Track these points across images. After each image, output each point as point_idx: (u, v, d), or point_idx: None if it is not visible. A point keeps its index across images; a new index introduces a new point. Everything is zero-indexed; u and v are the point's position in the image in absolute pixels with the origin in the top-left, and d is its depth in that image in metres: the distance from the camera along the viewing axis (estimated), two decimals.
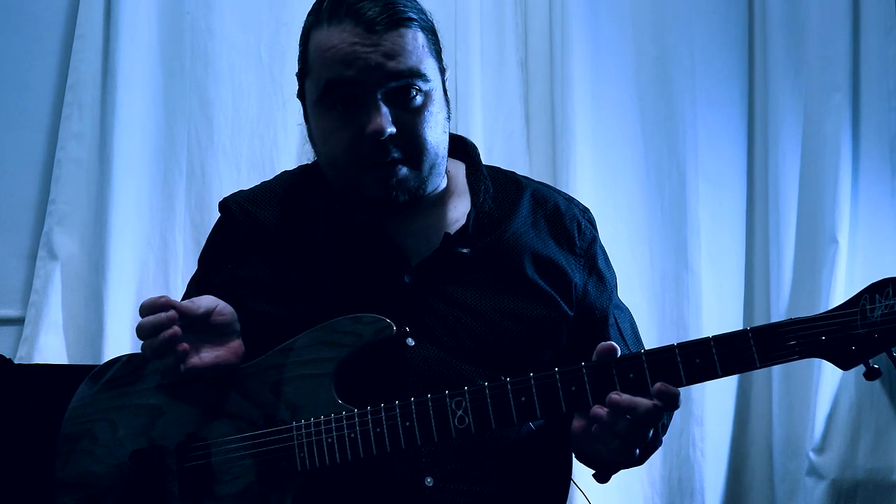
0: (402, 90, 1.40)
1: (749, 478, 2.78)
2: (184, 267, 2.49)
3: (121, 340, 2.41)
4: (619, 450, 1.28)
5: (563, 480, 1.53)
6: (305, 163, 1.65)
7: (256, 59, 2.59)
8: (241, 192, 1.61)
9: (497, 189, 1.55)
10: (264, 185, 1.61)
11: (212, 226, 1.63)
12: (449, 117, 1.50)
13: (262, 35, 2.59)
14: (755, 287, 2.81)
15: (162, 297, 1.36)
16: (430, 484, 1.37)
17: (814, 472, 2.61)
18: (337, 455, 1.33)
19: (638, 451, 1.30)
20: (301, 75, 1.49)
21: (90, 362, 2.36)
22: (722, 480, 2.74)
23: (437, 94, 1.45)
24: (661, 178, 2.76)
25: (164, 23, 2.54)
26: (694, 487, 2.69)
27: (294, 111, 2.58)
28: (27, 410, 1.96)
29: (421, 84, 1.41)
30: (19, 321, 2.44)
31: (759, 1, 2.80)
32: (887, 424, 2.59)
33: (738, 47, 2.79)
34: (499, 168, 1.63)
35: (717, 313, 2.73)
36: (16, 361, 2.34)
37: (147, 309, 1.35)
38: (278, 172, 1.68)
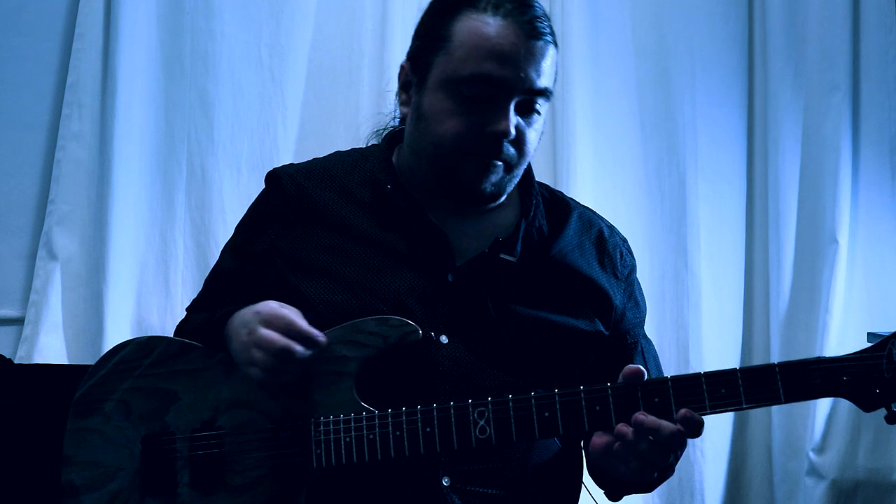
0: (530, 104, 1.42)
1: (749, 478, 2.78)
2: (184, 267, 2.49)
3: (120, 340, 2.40)
4: (639, 470, 1.28)
5: (577, 486, 1.53)
6: (358, 146, 1.64)
7: (256, 59, 2.59)
8: (291, 164, 1.60)
9: (547, 206, 1.57)
10: (317, 162, 1.60)
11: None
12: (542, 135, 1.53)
13: (262, 35, 2.59)
14: (755, 287, 2.81)
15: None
16: (448, 484, 1.37)
17: (814, 472, 2.61)
18: (354, 455, 1.33)
19: (656, 474, 1.30)
20: (431, 48, 1.45)
21: (90, 362, 2.34)
22: (722, 480, 2.74)
23: (545, 113, 1.48)
24: (661, 178, 2.76)
25: (164, 23, 2.53)
26: (694, 487, 2.69)
27: (294, 111, 2.60)
28: (27, 410, 1.96)
29: (544, 102, 1.44)
30: (19, 321, 2.44)
31: (758, 1, 2.80)
32: (887, 425, 2.59)
33: (738, 47, 2.79)
34: (548, 186, 1.65)
35: (717, 313, 2.73)
36: (16, 361, 2.34)
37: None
38: None
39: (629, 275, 1.58)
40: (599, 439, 1.31)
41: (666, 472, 1.47)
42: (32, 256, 2.45)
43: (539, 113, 1.45)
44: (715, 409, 1.26)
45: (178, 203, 2.52)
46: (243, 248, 1.57)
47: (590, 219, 1.60)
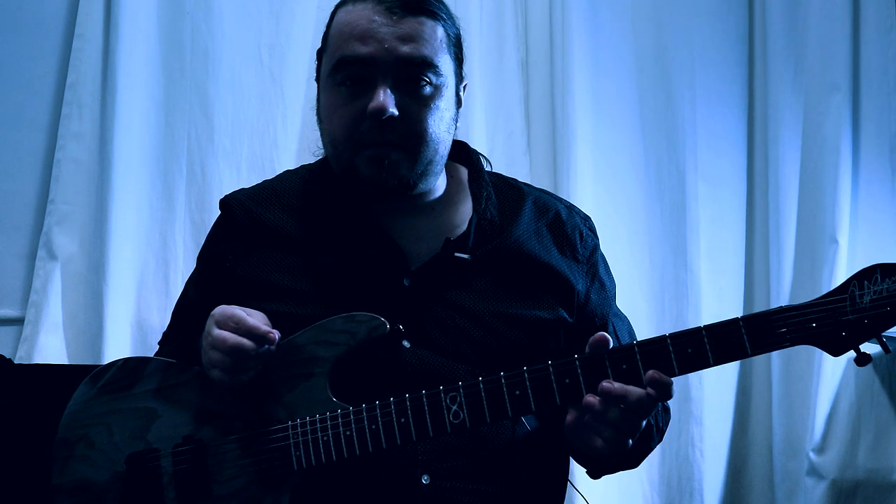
0: (413, 78, 1.41)
1: (749, 478, 2.78)
2: (184, 267, 2.49)
3: (121, 340, 2.41)
4: (612, 439, 1.29)
5: (561, 478, 1.53)
6: (307, 162, 1.65)
7: (256, 59, 2.59)
8: (242, 190, 1.61)
9: (499, 196, 1.55)
10: (266, 184, 1.61)
11: (212, 226, 1.63)
12: (456, 121, 1.50)
13: (262, 35, 2.59)
14: (755, 287, 2.81)
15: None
16: (427, 482, 1.37)
17: (814, 472, 2.61)
18: (333, 453, 1.33)
19: (631, 441, 1.30)
20: (319, 52, 1.50)
21: (90, 362, 2.36)
22: (721, 480, 2.74)
23: (448, 94, 1.46)
24: (661, 179, 2.76)
25: (164, 23, 2.53)
26: (693, 487, 2.69)
27: (294, 111, 2.60)
28: (27, 410, 1.95)
29: (431, 76, 1.42)
30: (19, 321, 2.43)
31: (759, 1, 2.80)
32: (887, 424, 2.59)
33: (738, 47, 2.79)
34: (501, 175, 1.63)
35: (717, 313, 2.72)
36: (16, 361, 2.34)
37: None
38: (278, 172, 1.68)
39: (591, 255, 1.56)
40: (571, 415, 1.31)
41: (644, 447, 1.46)
42: (32, 256, 2.45)
43: (432, 88, 1.42)
44: (684, 370, 1.26)
45: (178, 203, 2.52)
46: (203, 278, 1.59)
47: (545, 202, 1.58)
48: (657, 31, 2.77)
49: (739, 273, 2.78)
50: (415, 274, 1.45)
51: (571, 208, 1.61)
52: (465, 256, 1.46)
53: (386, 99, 1.38)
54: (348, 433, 1.33)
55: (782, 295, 2.70)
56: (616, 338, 1.54)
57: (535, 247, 1.51)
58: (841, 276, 2.61)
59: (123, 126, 2.46)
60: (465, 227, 1.50)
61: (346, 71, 1.41)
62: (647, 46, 2.78)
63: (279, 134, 2.59)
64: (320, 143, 1.52)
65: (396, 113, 1.39)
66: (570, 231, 1.55)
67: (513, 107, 2.71)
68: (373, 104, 1.38)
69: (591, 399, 1.27)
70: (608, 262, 1.63)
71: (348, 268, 1.46)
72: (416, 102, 1.42)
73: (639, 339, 1.60)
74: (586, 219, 1.61)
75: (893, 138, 2.66)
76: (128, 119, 2.46)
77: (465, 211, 1.53)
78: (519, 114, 2.71)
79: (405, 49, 1.39)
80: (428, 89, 1.42)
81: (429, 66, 1.41)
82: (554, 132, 2.71)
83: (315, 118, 1.52)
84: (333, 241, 1.49)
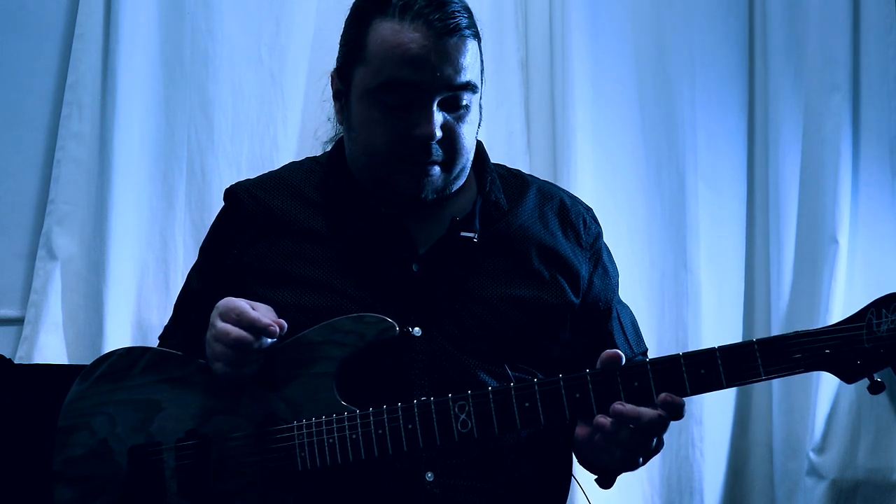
0: (455, 99, 1.43)
1: (749, 478, 2.78)
2: (184, 267, 2.49)
3: (121, 340, 2.41)
4: (623, 459, 1.29)
5: (564, 477, 1.53)
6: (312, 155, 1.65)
7: (256, 59, 2.59)
8: (247, 179, 1.62)
9: (503, 182, 1.58)
10: (272, 174, 1.62)
11: (215, 217, 1.63)
12: (480, 124, 1.52)
13: (262, 35, 2.59)
14: (755, 287, 2.81)
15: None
16: (431, 479, 1.38)
17: (814, 472, 2.61)
18: (338, 455, 1.33)
19: (641, 459, 1.31)
20: (351, 59, 1.48)
21: (90, 362, 2.35)
22: (721, 480, 2.74)
23: (477, 104, 1.49)
24: (661, 179, 2.76)
25: (164, 23, 2.53)
26: (693, 487, 2.68)
27: (294, 111, 2.60)
28: (27, 410, 1.95)
29: (470, 95, 1.45)
30: (19, 321, 2.43)
31: (759, 1, 2.80)
32: (887, 424, 2.59)
33: (738, 47, 2.79)
34: (504, 165, 1.66)
35: (717, 314, 2.73)
36: (16, 361, 2.33)
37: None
38: None
39: (594, 242, 1.58)
40: (582, 430, 1.32)
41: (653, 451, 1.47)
42: (32, 256, 2.44)
43: (468, 106, 1.45)
44: (696, 391, 1.26)
45: (178, 203, 2.52)
46: (208, 268, 1.59)
47: (549, 191, 1.61)
48: (657, 32, 2.77)
49: (739, 273, 2.77)
50: (423, 258, 1.46)
51: (574, 198, 1.64)
52: (471, 235, 1.46)
53: (434, 125, 1.41)
54: (354, 437, 1.33)
55: (782, 296, 2.70)
56: (619, 323, 1.56)
57: (540, 231, 1.53)
58: (841, 276, 2.61)
59: (123, 126, 2.45)
60: (470, 209, 1.52)
61: (395, 93, 1.42)
62: (647, 47, 2.77)
63: (279, 134, 2.59)
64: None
65: (441, 135, 1.42)
66: (574, 217, 1.57)
67: (513, 107, 2.71)
68: (423, 130, 1.41)
69: (602, 420, 1.27)
70: None
71: (357, 256, 1.47)
72: (456, 119, 1.45)
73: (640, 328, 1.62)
74: (589, 209, 1.63)
75: (893, 139, 2.65)
76: (128, 119, 2.46)
77: (471, 196, 1.55)
78: (519, 114, 2.71)
79: (454, 76, 1.41)
80: (465, 108, 1.46)
81: (470, 88, 1.44)
82: (554, 132, 2.71)
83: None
84: (342, 229, 1.49)
